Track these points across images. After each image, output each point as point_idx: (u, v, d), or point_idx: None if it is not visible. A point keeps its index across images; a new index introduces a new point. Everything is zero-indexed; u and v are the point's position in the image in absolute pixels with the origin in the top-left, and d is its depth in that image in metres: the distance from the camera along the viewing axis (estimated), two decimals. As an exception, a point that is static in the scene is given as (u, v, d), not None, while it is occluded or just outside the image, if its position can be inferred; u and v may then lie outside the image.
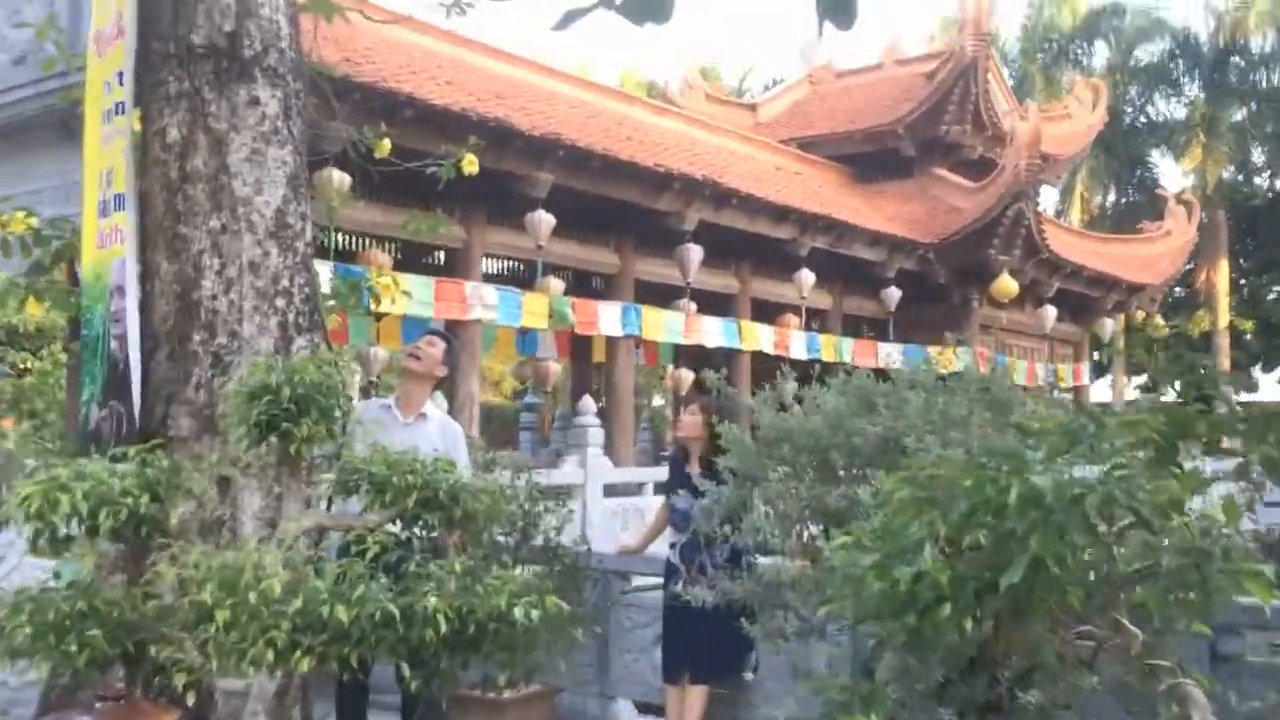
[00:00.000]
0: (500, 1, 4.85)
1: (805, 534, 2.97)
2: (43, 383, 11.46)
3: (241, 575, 2.18)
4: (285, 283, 4.30)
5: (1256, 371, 37.10)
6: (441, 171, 5.63)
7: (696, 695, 5.51)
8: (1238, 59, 32.90)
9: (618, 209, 13.71)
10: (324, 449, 3.00)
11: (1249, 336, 34.95)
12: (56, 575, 2.93)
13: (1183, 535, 1.62)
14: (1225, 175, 32.86)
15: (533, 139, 11.75)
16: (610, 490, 12.54)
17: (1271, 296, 35.79)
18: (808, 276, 16.26)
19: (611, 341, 14.78)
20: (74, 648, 2.47)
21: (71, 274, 5.32)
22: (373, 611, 2.15)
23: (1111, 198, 36.69)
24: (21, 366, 13.16)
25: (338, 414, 2.71)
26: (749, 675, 5.70)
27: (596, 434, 12.46)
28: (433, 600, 2.21)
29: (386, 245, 12.62)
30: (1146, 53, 34.13)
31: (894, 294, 17.88)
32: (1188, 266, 28.52)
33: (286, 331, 4.31)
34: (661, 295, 15.28)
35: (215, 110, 4.22)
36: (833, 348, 16.75)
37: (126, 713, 3.15)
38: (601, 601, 6.14)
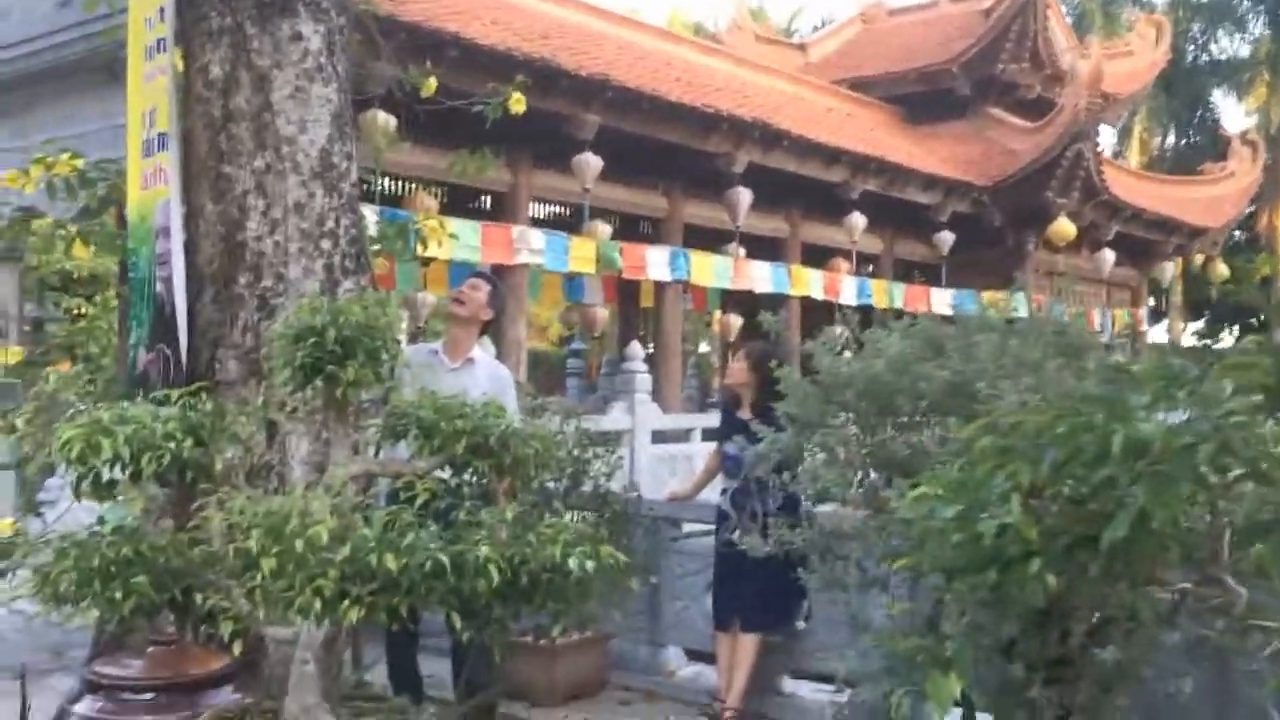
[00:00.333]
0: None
1: (867, 482, 2.87)
2: (95, 327, 11.55)
3: (288, 522, 2.12)
4: (331, 224, 4.23)
5: (1318, 317, 36.18)
6: (488, 110, 5.51)
7: (748, 643, 5.44)
8: (1305, -7, 31.71)
9: (666, 151, 13.50)
10: (371, 393, 2.92)
11: (1312, 281, 34.01)
12: (101, 520, 2.89)
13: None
14: (1288, 116, 31.81)
15: (580, 80, 11.55)
16: (658, 437, 12.48)
17: (1335, 240, 34.77)
18: (859, 220, 15.97)
19: (659, 287, 14.64)
20: (119, 594, 2.42)
21: (120, 217, 5.28)
22: (423, 561, 2.08)
23: (1171, 139, 35.71)
24: (76, 311, 13.29)
25: (385, 357, 2.62)
26: (801, 624, 5.62)
27: (644, 380, 12.36)
28: (484, 550, 2.13)
29: (432, 189, 12.54)
30: (1211, -13, 33.00)
31: (947, 238, 17.53)
32: (1249, 210, 27.71)
33: (333, 274, 4.24)
34: (710, 240, 15.09)
35: (258, 46, 4.13)
36: (884, 293, 16.48)
37: (177, 657, 3.14)
38: (652, 548, 6.07)
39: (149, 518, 3.66)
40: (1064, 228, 17.61)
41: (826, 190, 15.80)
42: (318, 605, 2.08)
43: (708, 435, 12.85)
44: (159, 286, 4.17)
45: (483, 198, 14.68)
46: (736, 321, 15.61)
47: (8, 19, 9.04)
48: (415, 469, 2.61)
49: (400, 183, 12.61)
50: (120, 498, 2.81)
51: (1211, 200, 22.79)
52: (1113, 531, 1.32)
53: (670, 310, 14.93)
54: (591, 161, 12.13)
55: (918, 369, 2.70)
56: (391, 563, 2.08)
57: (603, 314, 14.13)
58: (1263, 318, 32.63)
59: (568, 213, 15.71)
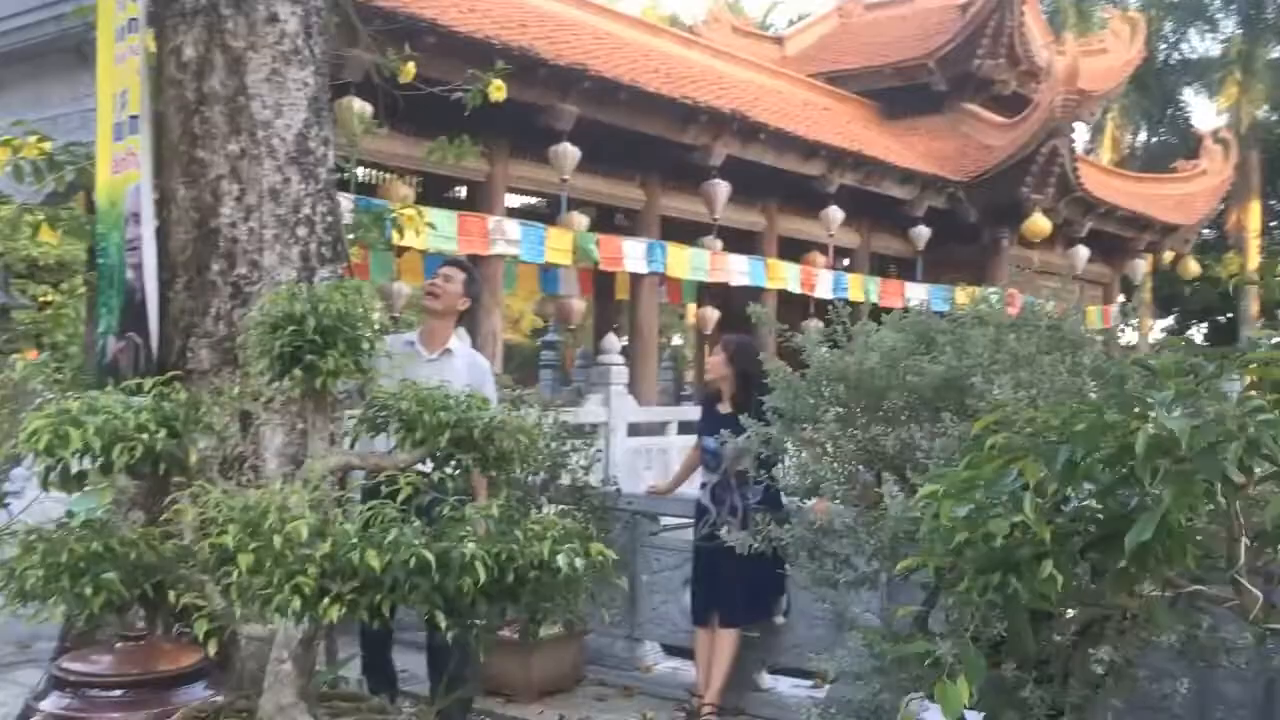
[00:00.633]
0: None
1: (857, 478, 2.82)
2: (62, 314, 11.37)
3: (266, 517, 2.03)
4: (307, 211, 4.14)
5: (1285, 315, 36.63)
6: (468, 97, 5.41)
7: (727, 639, 5.41)
8: (1275, -5, 32.00)
9: (644, 143, 13.43)
10: (347, 384, 2.85)
11: (1279, 279, 34.41)
12: (70, 514, 2.80)
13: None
14: (1259, 115, 32.11)
15: (558, 68, 11.45)
16: (634, 429, 12.41)
17: (1303, 238, 35.20)
18: (836, 214, 15.96)
19: (636, 279, 14.56)
20: (89, 591, 2.33)
21: (89, 203, 5.15)
22: (406, 558, 2.01)
23: (1143, 137, 36.00)
24: (43, 299, 13.09)
25: (366, 346, 2.54)
26: (779, 619, 5.60)
27: (620, 372, 12.29)
28: (470, 546, 2.06)
29: (407, 178, 12.40)
30: (1183, -13, 33.25)
31: (923, 233, 17.55)
32: (1220, 208, 27.95)
33: (309, 262, 4.16)
34: (687, 232, 15.03)
35: (233, 27, 4.03)
36: (860, 287, 16.49)
37: (147, 653, 3.05)
38: (630, 543, 6.02)
39: (118, 509, 3.57)
40: (1039, 224, 17.66)
41: (804, 183, 15.78)
42: (297, 603, 2.00)
43: (684, 428, 12.80)
44: (129, 273, 4.07)
45: (458, 188, 14.56)
46: (713, 314, 15.58)
47: (-27, -1, 8.84)
48: (397, 462, 2.53)
49: (375, 171, 12.47)
50: (89, 488, 2.72)
51: (1184, 198, 22.96)
52: (1138, 533, 1.27)
53: (646, 303, 14.86)
54: (570, 151, 12.04)
55: (910, 363, 2.65)
56: (374, 560, 2.00)
57: (579, 306, 14.04)
58: (1230, 315, 32.97)
59: (543, 203, 15.61)
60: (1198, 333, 34.69)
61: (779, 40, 23.30)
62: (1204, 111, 61.77)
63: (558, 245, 12.50)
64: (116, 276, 4.12)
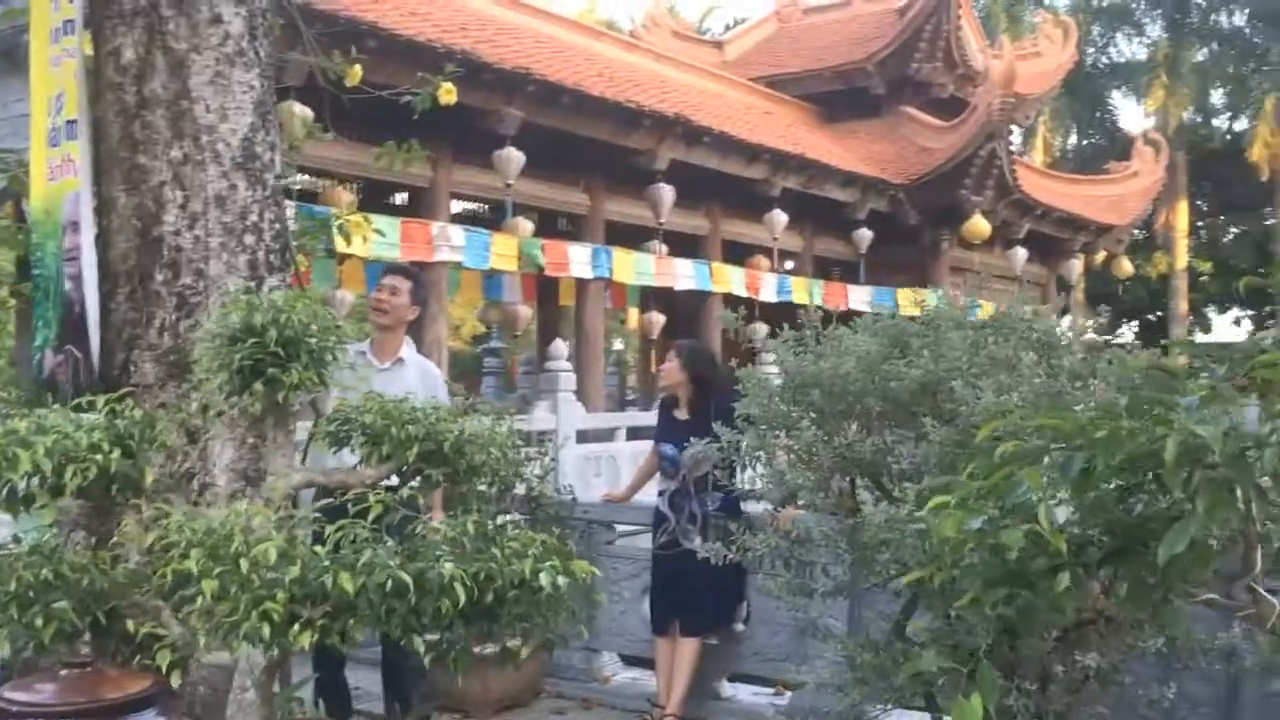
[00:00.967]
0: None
1: (832, 485, 2.77)
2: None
3: (230, 540, 1.92)
4: (254, 218, 4.01)
5: (1211, 313, 37.58)
6: (417, 102, 5.30)
7: (688, 647, 5.34)
8: (1200, -1, 32.82)
9: (588, 147, 13.36)
10: (298, 397, 2.73)
11: (1205, 278, 35.28)
12: (16, 539, 2.65)
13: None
14: (1185, 117, 32.87)
15: (503, 72, 11.34)
16: (583, 436, 12.32)
17: (1228, 239, 36.11)
18: (780, 217, 16.02)
19: (581, 284, 14.48)
20: (39, 621, 2.20)
21: (18, 211, 4.96)
22: (382, 580, 1.91)
23: (1074, 139, 36.69)
24: (-33, 312, 12.66)
25: (329, 358, 2.43)
26: (739, 626, 5.54)
27: (569, 379, 12.18)
28: (448, 567, 1.96)
29: (347, 184, 12.21)
30: (1110, -8, 33.97)
31: (865, 235, 17.68)
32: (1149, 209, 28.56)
33: (257, 270, 4.02)
34: (631, 236, 14.99)
35: (174, 29, 3.89)
36: (804, 290, 16.55)
37: (93, 681, 2.91)
38: (586, 552, 5.93)
39: (61, 531, 3.41)
40: (979, 225, 17.88)
41: (747, 187, 15.82)
42: (266, 630, 1.89)
43: (632, 434, 12.73)
44: (68, 284, 3.91)
45: (398, 194, 14.37)
46: (659, 319, 15.53)
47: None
48: (363, 478, 2.43)
49: (315, 177, 12.25)
50: (35, 512, 2.57)
51: (1116, 198, 23.42)
52: (1172, 544, 1.23)
53: (592, 308, 14.79)
54: (514, 156, 11.93)
55: (888, 368, 2.61)
56: (347, 583, 1.90)
57: (526, 312, 13.93)
58: (1160, 314, 33.70)
59: (486, 209, 15.46)
60: (1128, 330, 35.47)
61: (719, 44, 23.36)
62: (1132, 114, 63.27)
63: (503, 251, 12.38)
64: (54, 288, 3.95)
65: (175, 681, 2.12)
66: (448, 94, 5.28)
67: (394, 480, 2.62)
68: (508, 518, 5.34)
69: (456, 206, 14.92)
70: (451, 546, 2.04)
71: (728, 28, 32.59)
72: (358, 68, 5.33)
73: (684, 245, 15.92)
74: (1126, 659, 2.34)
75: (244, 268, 3.97)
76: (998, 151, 17.69)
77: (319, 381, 2.41)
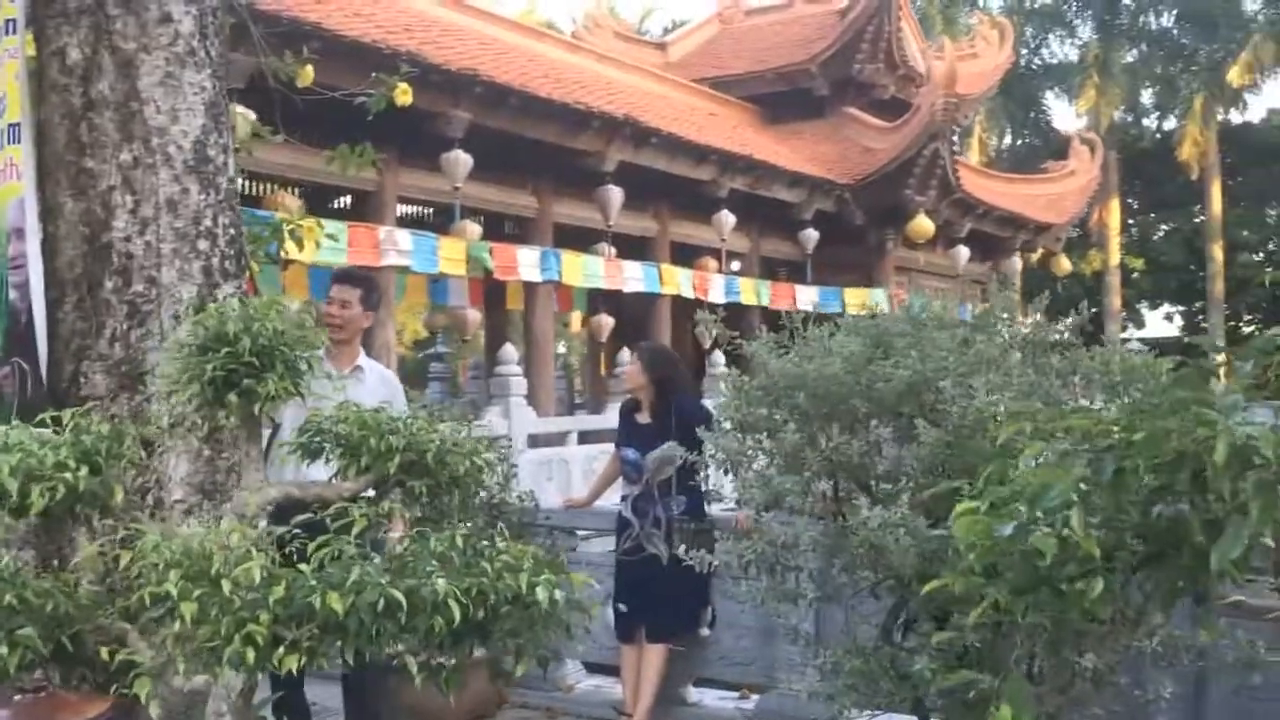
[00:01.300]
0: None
1: (818, 489, 2.73)
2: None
3: (211, 561, 1.83)
4: (208, 223, 3.87)
5: (1144, 309, 38.39)
6: (372, 103, 5.19)
7: (655, 654, 5.29)
8: (1129, 0, 33.51)
9: (535, 149, 13.26)
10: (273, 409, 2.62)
11: (1137, 275, 36.05)
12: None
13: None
14: (1117, 117, 33.56)
15: (450, 74, 11.21)
16: (534, 441, 12.19)
17: (1159, 236, 36.94)
18: (727, 218, 16.04)
19: (530, 288, 14.36)
20: (4, 649, 2.07)
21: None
22: (374, 599, 1.82)
23: (1009, 140, 37.28)
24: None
25: (305, 367, 2.34)
26: (705, 631, 5.50)
27: (520, 383, 12.05)
28: (441, 583, 1.88)
29: (291, 188, 12.00)
30: (1041, -6, 34.57)
31: (811, 236, 17.76)
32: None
33: (211, 277, 3.88)
34: (579, 239, 14.90)
35: (122, 28, 3.75)
36: (752, 291, 16.60)
37: (48, 706, 2.79)
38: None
39: (9, 551, 3.26)
40: (923, 225, 18.06)
41: (695, 188, 15.82)
42: (250, 654, 1.80)
43: (584, 438, 12.63)
44: (12, 294, 3.76)
45: (342, 197, 14.15)
46: (609, 322, 15.46)
47: None
48: (341, 491, 2.33)
49: (258, 182, 12.01)
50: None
51: (1054, 197, 23.80)
52: (1228, 548, 1.19)
53: (541, 312, 14.68)
54: (462, 159, 11.79)
55: (875, 369, 2.58)
56: (336, 602, 1.81)
57: (475, 316, 13.78)
58: (1095, 310, 34.37)
59: (430, 213, 15.28)
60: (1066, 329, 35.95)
61: (661, 46, 23.36)
62: (1065, 114, 64.45)
63: (451, 255, 12.23)
64: (-2, 297, 3.80)
65: (154, 711, 2.01)
66: (404, 95, 5.18)
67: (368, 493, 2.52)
68: (468, 525, 5.27)
69: (400, 209, 14.73)
70: (441, 562, 1.96)
71: (666, 30, 32.65)
72: (310, 68, 5.21)
73: (633, 247, 15.87)
74: (1123, 659, 2.33)
75: (198, 274, 3.84)
76: (940, 152, 17.88)
77: (295, 392, 2.31)
